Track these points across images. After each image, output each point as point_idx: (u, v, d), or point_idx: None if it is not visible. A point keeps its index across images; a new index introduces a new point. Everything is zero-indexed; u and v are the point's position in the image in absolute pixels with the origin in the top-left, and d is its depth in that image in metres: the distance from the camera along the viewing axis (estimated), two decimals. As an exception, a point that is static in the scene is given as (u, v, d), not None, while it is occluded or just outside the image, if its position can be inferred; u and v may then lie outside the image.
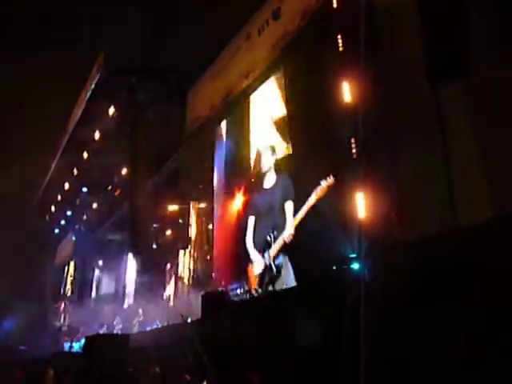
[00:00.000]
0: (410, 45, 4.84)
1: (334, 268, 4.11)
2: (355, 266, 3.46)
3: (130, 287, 14.76)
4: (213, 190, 9.72)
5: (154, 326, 9.90)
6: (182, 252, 12.41)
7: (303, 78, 6.79)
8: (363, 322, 2.60)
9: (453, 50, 4.51)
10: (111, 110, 12.75)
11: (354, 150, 5.29)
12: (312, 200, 3.63)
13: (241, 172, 8.22)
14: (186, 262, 12.03)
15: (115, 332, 12.75)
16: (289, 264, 3.87)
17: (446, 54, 4.55)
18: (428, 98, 4.63)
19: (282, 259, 3.74)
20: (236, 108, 9.06)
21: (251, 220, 4.04)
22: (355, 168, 5.28)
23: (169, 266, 13.01)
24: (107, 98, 12.64)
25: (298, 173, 5.53)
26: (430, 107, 4.61)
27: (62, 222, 20.32)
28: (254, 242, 3.94)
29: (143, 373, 3.95)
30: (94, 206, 17.09)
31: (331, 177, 3.64)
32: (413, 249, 2.74)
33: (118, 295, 15.36)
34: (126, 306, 14.53)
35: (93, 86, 12.47)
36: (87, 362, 4.71)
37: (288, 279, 3.79)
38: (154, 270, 12.97)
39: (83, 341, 8.31)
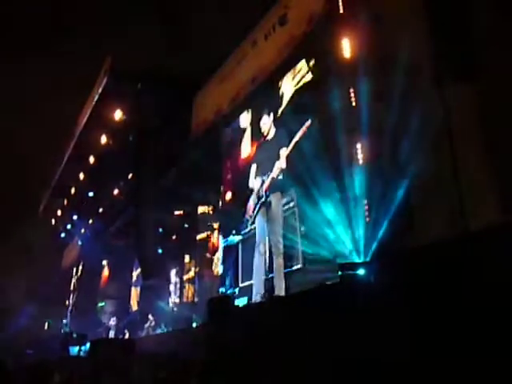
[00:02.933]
0: (418, 46, 4.83)
1: (340, 274, 4.15)
2: (362, 271, 3.45)
3: (135, 292, 14.76)
4: (219, 193, 9.74)
5: (163, 331, 9.90)
6: (187, 256, 12.40)
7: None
8: (369, 327, 2.59)
9: (461, 51, 4.50)
10: (118, 115, 12.79)
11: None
12: (297, 137, 4.56)
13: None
14: (191, 266, 12.02)
15: (110, 332, 12.79)
16: (280, 204, 4.77)
17: (453, 54, 4.54)
18: (435, 100, 4.61)
19: (272, 196, 4.69)
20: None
21: (253, 167, 5.08)
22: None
23: (174, 270, 13.00)
24: (114, 102, 12.69)
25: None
26: (437, 109, 4.60)
27: (68, 227, 20.38)
28: (254, 181, 4.96)
29: (150, 377, 3.95)
30: (100, 210, 17.11)
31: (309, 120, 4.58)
32: (421, 254, 2.72)
33: (123, 299, 15.36)
34: (130, 310, 14.53)
35: (100, 91, 12.53)
36: (92, 365, 4.71)
37: (277, 217, 4.69)
38: (160, 274, 12.96)
39: (88, 345, 8.31)
